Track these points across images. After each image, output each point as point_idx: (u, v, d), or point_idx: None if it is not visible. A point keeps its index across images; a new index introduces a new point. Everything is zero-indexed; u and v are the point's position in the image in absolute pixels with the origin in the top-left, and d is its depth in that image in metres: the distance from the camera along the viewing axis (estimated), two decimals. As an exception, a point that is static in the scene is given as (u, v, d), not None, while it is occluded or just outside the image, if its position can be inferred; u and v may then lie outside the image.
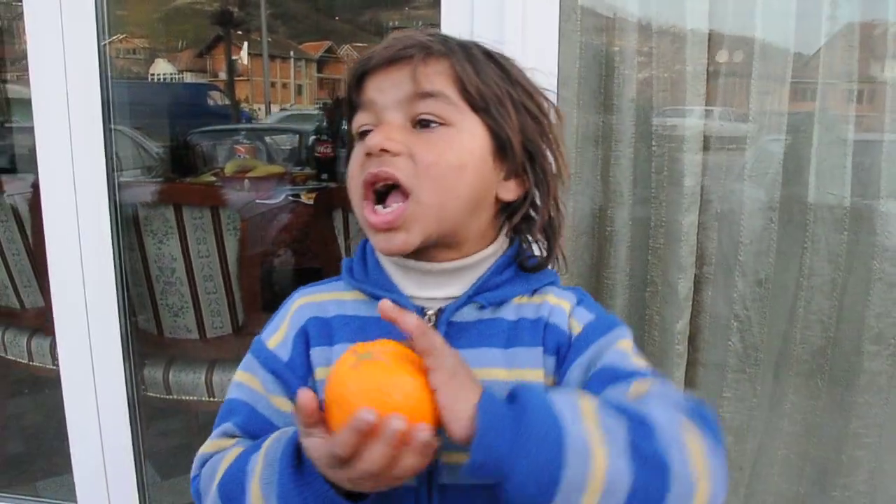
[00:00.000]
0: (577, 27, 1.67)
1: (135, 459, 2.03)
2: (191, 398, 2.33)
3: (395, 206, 0.79)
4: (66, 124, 1.83)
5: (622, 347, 0.83)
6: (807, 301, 1.67)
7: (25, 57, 1.84)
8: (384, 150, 0.78)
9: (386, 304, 0.72)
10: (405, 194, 0.79)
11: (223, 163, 4.16)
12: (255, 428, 0.85)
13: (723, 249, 1.69)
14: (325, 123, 3.68)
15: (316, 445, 0.68)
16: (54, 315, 1.95)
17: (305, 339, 0.87)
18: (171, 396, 2.33)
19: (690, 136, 1.65)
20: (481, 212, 0.85)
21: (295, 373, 0.86)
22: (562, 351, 0.84)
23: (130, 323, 2.03)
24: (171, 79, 11.45)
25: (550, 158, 0.88)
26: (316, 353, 0.86)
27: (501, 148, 0.83)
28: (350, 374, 0.69)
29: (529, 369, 0.83)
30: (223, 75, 12.58)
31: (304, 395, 0.67)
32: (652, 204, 1.71)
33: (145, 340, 2.33)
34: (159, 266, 2.24)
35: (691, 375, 1.76)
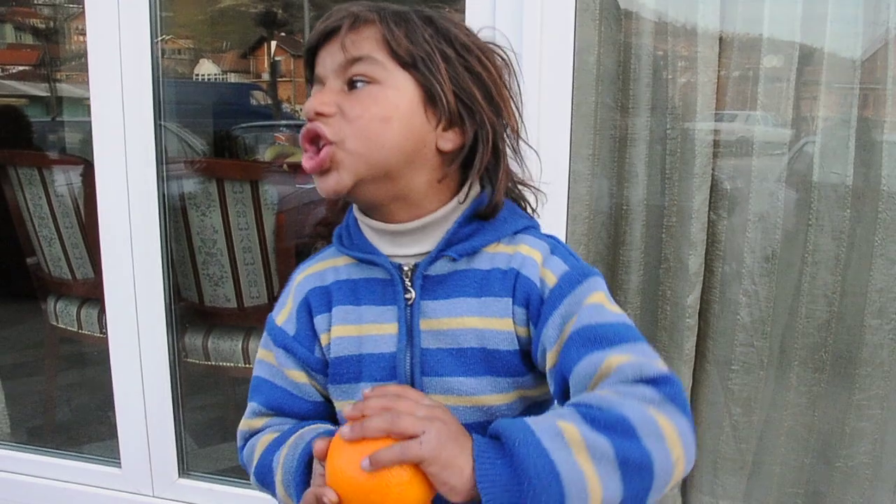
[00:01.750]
0: (595, 16, 1.76)
1: (174, 421, 2.16)
2: (228, 364, 2.45)
3: (324, 149, 0.85)
4: (120, 114, 1.98)
5: (596, 300, 0.85)
6: (812, 276, 1.74)
7: (75, 57, 1.99)
8: (319, 114, 0.85)
9: (348, 411, 0.76)
10: (332, 144, 0.85)
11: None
12: (276, 401, 0.97)
13: (732, 227, 1.77)
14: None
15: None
16: (104, 284, 2.09)
17: (308, 309, 0.96)
18: (209, 362, 2.46)
19: (700, 120, 1.73)
20: (422, 162, 0.89)
21: (302, 344, 0.95)
22: (533, 302, 0.87)
23: (174, 291, 2.16)
24: (216, 79, 11.65)
25: (493, 109, 0.90)
26: (318, 321, 0.95)
27: (432, 100, 0.87)
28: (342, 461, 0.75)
29: (498, 318, 0.87)
30: (266, 76, 12.80)
31: (318, 447, 0.79)
32: (665, 184, 1.80)
33: (187, 308, 2.46)
34: (202, 238, 2.37)
35: (701, 348, 1.84)
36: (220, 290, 2.44)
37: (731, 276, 1.78)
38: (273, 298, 2.45)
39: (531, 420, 0.73)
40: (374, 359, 0.90)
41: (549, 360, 0.84)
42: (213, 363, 2.45)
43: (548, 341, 0.85)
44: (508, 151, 0.94)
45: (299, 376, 0.96)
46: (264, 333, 1.00)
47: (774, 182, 1.74)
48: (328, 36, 0.88)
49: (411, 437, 0.72)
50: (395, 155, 0.86)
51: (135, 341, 2.10)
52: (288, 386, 0.97)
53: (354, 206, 0.96)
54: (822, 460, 1.82)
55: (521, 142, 0.96)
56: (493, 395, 0.88)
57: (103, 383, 2.19)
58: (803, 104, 1.74)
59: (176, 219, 2.31)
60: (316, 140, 0.86)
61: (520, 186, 1.00)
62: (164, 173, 2.06)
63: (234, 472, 2.61)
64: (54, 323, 2.69)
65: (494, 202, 0.91)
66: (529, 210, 1.02)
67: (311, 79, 0.91)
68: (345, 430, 0.74)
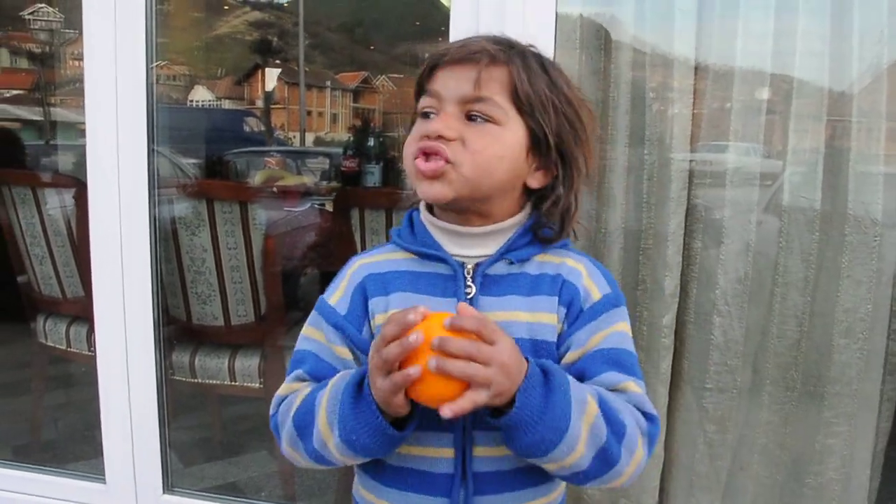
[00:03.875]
0: (575, 45, 1.83)
1: (160, 437, 2.18)
2: (214, 382, 2.49)
3: (440, 160, 0.97)
4: (114, 138, 2.04)
5: (624, 329, 1.03)
6: (782, 297, 1.79)
7: (70, 82, 2.06)
8: (441, 137, 0.97)
9: (464, 309, 0.89)
10: (448, 163, 0.97)
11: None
12: (320, 373, 1.04)
13: (706, 249, 1.82)
14: (352, 140, 3.87)
15: (373, 362, 0.88)
16: (94, 302, 2.13)
17: (363, 293, 1.05)
18: (195, 380, 2.49)
19: (676, 146, 1.79)
20: (511, 191, 1.03)
21: (353, 322, 1.04)
22: (574, 305, 1.02)
23: (162, 310, 2.20)
24: (210, 105, 11.75)
25: (581, 158, 1.05)
26: (374, 302, 1.04)
27: (537, 145, 1.01)
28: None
29: (545, 313, 1.01)
30: (260, 103, 12.94)
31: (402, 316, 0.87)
32: (643, 208, 1.86)
33: (175, 326, 2.50)
34: (191, 257, 2.41)
35: (677, 368, 1.88)
36: (207, 309, 2.48)
37: (706, 297, 1.83)
38: (260, 317, 2.49)
39: (571, 378, 0.92)
40: None
41: (570, 356, 1.01)
42: (200, 381, 2.49)
43: (576, 342, 1.00)
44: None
45: (345, 353, 1.04)
46: (313, 313, 1.09)
47: (747, 206, 1.80)
48: (459, 62, 1.00)
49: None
50: (497, 186, 1.01)
51: (122, 359, 2.13)
52: (332, 361, 1.05)
53: (423, 209, 1.09)
54: (794, 477, 1.86)
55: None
56: None
57: (90, 402, 2.21)
58: (775, 133, 1.81)
59: (166, 238, 2.36)
60: (430, 156, 0.98)
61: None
62: (156, 196, 2.11)
63: (220, 491, 2.63)
64: (43, 341, 2.73)
65: (563, 235, 1.07)
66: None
67: (425, 88, 1.03)
68: (431, 363, 0.84)
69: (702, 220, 1.83)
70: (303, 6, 10.42)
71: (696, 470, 1.90)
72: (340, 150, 4.14)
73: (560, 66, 1.07)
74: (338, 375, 0.98)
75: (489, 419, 0.90)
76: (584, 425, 0.89)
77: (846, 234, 1.72)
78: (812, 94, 1.75)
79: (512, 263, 1.03)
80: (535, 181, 1.04)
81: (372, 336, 1.03)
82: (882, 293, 1.75)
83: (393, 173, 3.86)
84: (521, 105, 0.99)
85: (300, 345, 1.09)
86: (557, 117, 1.01)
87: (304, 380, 1.05)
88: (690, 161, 1.83)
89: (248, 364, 2.47)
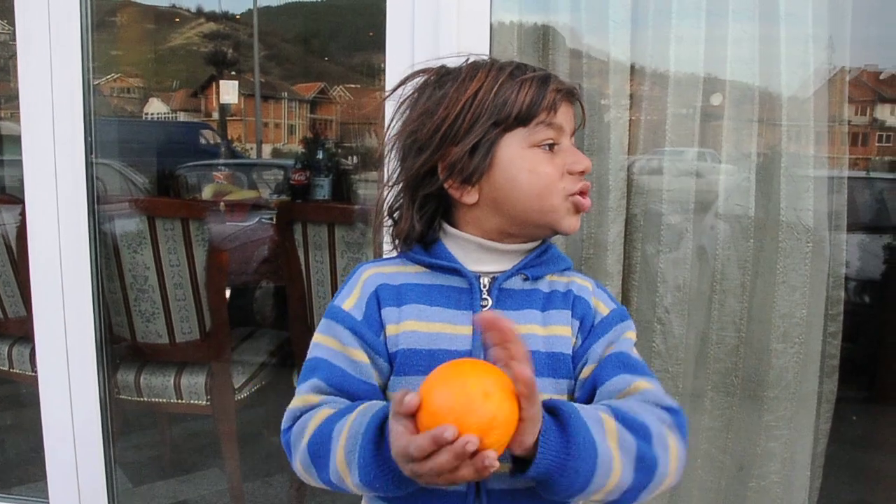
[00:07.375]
0: (513, 55, 1.85)
1: (105, 458, 2.15)
2: (160, 400, 2.46)
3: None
4: (51, 151, 2.02)
5: (631, 337, 1.07)
6: (720, 304, 1.83)
7: (16, 96, 2.03)
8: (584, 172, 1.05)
9: (485, 315, 0.89)
10: None
11: (204, 192, 4.33)
12: (334, 379, 1.00)
13: (645, 258, 1.85)
14: (302, 153, 3.85)
15: (398, 435, 0.80)
16: (34, 321, 2.09)
17: (377, 300, 1.04)
18: (141, 399, 2.46)
19: (615, 155, 1.82)
20: None
21: (370, 328, 1.03)
22: (587, 319, 1.05)
23: (106, 328, 2.17)
24: (165, 117, 11.57)
25: None
26: (387, 312, 1.03)
27: None
28: (443, 388, 0.79)
29: (560, 326, 1.04)
30: (216, 115, 12.78)
31: (411, 398, 0.78)
32: (583, 217, 1.87)
33: (119, 345, 2.46)
34: (133, 274, 2.38)
35: (620, 375, 1.90)
36: (151, 326, 2.45)
37: (647, 305, 1.86)
38: (205, 334, 2.47)
39: (577, 405, 0.89)
40: (448, 354, 0.99)
41: (586, 371, 1.02)
42: (146, 399, 2.45)
43: (592, 355, 1.03)
44: None
45: (361, 356, 1.01)
46: (325, 320, 1.06)
47: (685, 215, 1.83)
48: (570, 95, 1.05)
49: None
50: None
51: (65, 379, 2.10)
52: (348, 367, 1.01)
53: (446, 225, 1.08)
54: (737, 481, 1.89)
55: None
56: (553, 395, 1.00)
57: (35, 424, 2.17)
58: (710, 140, 1.84)
59: (108, 256, 2.32)
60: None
61: None
62: (96, 211, 2.08)
63: (169, 510, 2.59)
64: (-16, 362, 2.67)
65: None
66: None
67: (547, 121, 1.02)
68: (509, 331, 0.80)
69: (641, 228, 1.85)
70: (257, 17, 10.36)
71: (642, 476, 1.91)
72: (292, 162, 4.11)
73: None
74: (359, 409, 0.92)
75: (518, 477, 0.85)
76: (610, 443, 0.87)
77: (780, 240, 1.76)
78: (746, 101, 1.79)
79: (527, 279, 1.06)
80: None
81: (386, 343, 1.02)
82: (816, 297, 1.79)
83: (345, 186, 3.84)
84: None
85: (312, 352, 1.05)
86: None
87: (319, 388, 1.00)
88: (629, 169, 1.85)
89: (194, 381, 2.44)
